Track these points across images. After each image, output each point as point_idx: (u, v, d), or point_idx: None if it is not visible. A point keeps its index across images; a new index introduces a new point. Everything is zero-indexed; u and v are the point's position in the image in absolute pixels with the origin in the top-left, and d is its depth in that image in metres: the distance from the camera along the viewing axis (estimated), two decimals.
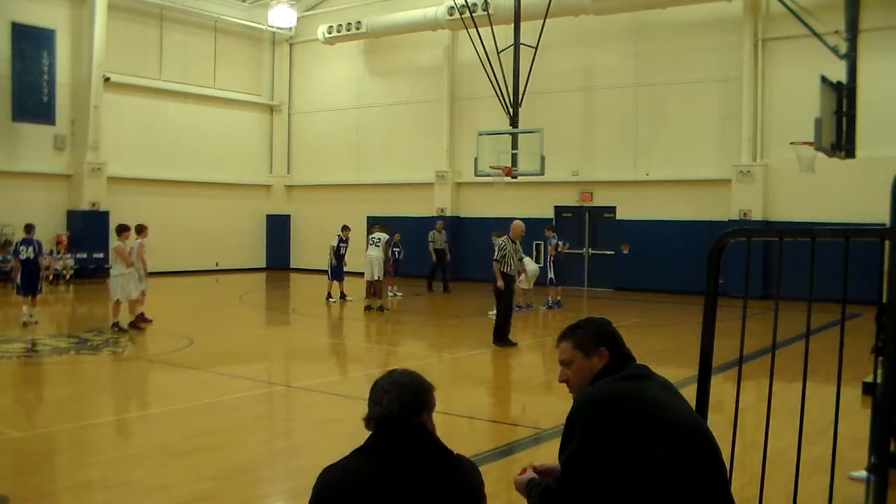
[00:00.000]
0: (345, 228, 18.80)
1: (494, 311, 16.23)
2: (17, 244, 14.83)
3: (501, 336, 12.49)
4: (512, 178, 18.83)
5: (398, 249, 20.13)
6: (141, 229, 14.54)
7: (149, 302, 15.69)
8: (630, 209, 21.90)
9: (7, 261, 20.86)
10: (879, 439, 3.26)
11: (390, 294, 19.42)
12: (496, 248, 12.57)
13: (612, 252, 22.14)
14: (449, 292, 21.29)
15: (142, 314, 14.29)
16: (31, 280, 14.28)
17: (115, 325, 13.40)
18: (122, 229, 13.86)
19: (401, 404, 2.47)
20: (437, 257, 21.40)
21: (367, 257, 17.43)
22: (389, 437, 2.45)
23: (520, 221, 13.21)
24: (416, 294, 20.75)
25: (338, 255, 18.46)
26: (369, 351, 13.43)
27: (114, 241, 13.87)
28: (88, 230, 22.75)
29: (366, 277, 17.50)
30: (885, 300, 3.52)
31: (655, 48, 21.48)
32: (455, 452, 2.53)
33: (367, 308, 17.06)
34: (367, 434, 2.55)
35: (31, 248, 14.39)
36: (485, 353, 12.55)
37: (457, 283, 23.24)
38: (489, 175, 18.70)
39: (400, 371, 2.60)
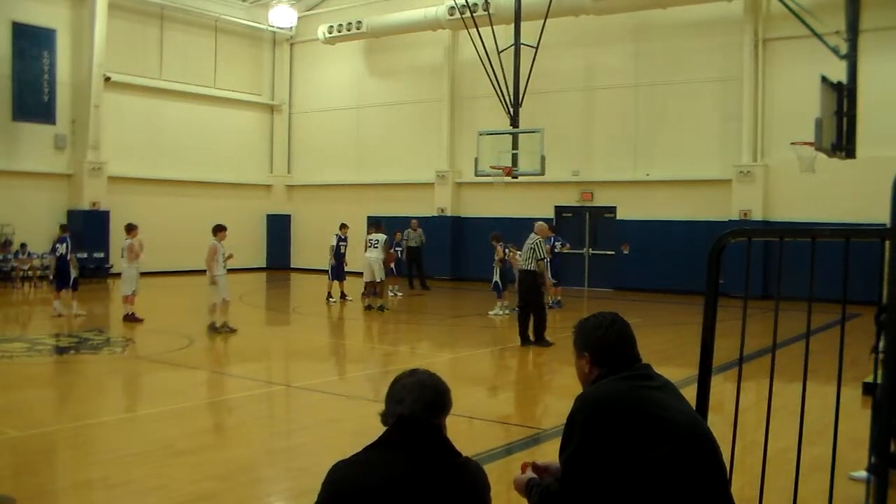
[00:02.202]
0: (343, 227, 18.79)
1: (496, 311, 16.38)
2: (54, 242, 15.97)
3: (540, 335, 12.43)
4: (512, 177, 18.84)
5: (400, 248, 20.17)
6: (130, 229, 14.77)
7: (149, 300, 15.75)
8: (630, 209, 21.90)
9: (8, 260, 20.95)
10: (879, 440, 3.26)
11: (390, 294, 19.42)
12: (538, 248, 12.45)
13: (613, 252, 22.12)
14: (428, 289, 21.32)
15: (132, 313, 14.51)
16: (63, 276, 15.40)
17: (212, 325, 13.56)
18: (219, 228, 14.02)
19: (423, 405, 2.49)
20: (412, 255, 21.43)
21: (367, 259, 17.34)
22: (406, 436, 2.45)
23: (542, 222, 13.54)
24: (416, 294, 20.76)
25: (337, 254, 18.45)
26: (369, 351, 13.43)
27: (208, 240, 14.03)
28: (89, 230, 22.72)
29: (365, 279, 17.46)
30: (884, 301, 3.52)
31: (656, 48, 21.47)
32: (463, 455, 2.54)
33: (368, 308, 17.06)
34: (370, 433, 2.55)
35: (64, 246, 15.39)
36: (485, 353, 12.58)
37: (457, 283, 23.26)
38: (489, 175, 18.71)
39: (422, 371, 2.61)
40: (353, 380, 10.82)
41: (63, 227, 16.02)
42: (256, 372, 10.83)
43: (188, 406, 8.68)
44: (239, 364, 11.28)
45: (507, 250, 16.81)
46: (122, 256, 14.95)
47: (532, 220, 13.89)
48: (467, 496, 2.48)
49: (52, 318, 14.79)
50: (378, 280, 17.15)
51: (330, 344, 14.21)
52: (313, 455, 6.62)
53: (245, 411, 8.44)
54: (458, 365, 11.63)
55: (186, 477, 5.93)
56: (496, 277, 16.77)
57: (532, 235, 12.75)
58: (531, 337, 12.57)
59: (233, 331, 13.41)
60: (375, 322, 15.96)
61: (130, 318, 14.45)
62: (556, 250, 17.84)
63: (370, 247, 17.40)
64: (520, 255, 12.99)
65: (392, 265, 19.07)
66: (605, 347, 2.76)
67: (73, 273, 15.57)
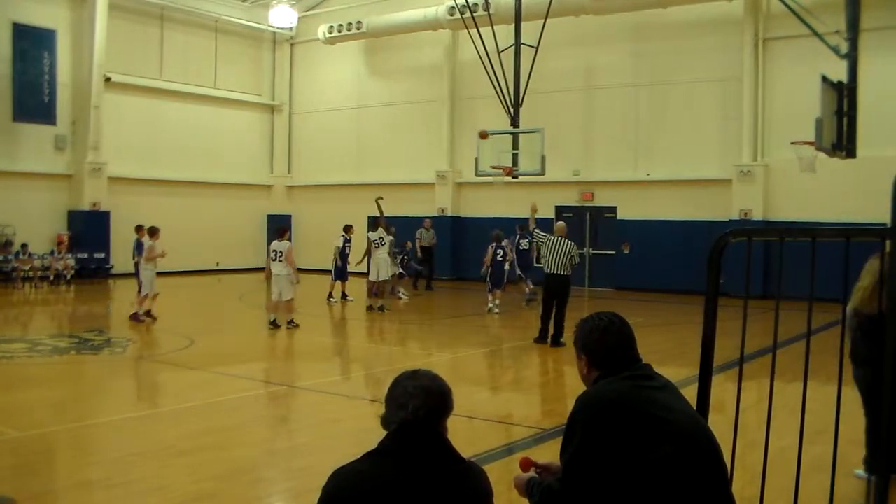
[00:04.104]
0: (348, 228, 18.79)
1: (490, 306, 16.50)
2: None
3: (556, 337, 12.37)
4: (513, 177, 18.83)
5: (406, 253, 20.37)
6: (153, 232, 15.06)
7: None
8: (631, 209, 21.89)
9: (8, 261, 20.96)
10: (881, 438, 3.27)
11: (401, 296, 19.57)
12: (576, 255, 12.50)
13: (613, 252, 22.13)
14: (432, 290, 21.38)
15: (148, 311, 14.75)
16: (137, 277, 15.76)
17: (291, 322, 14.08)
18: (285, 230, 14.67)
19: (427, 411, 2.43)
20: (425, 255, 21.47)
21: (375, 258, 17.25)
22: (408, 443, 2.40)
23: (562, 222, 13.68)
24: (418, 294, 20.75)
25: (343, 254, 18.46)
26: (370, 351, 13.43)
27: (278, 243, 14.34)
28: (89, 230, 22.76)
29: (370, 277, 17.38)
30: (885, 301, 3.52)
31: (656, 48, 21.47)
32: (466, 458, 2.52)
33: (369, 308, 17.05)
34: (370, 434, 2.53)
35: (136, 249, 15.93)
36: (485, 353, 12.58)
37: (457, 283, 23.24)
38: (490, 175, 18.70)
39: (424, 373, 2.55)
40: (354, 380, 10.83)
41: (136, 229, 16.08)
42: (257, 372, 10.83)
43: (189, 406, 8.68)
44: (239, 364, 11.27)
45: (499, 249, 17.24)
46: (143, 257, 15.17)
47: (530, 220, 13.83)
48: (470, 503, 2.46)
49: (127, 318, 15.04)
50: (381, 279, 17.15)
51: (331, 344, 14.21)
52: (314, 455, 6.62)
53: (245, 411, 8.44)
54: (458, 364, 11.63)
55: (187, 477, 5.93)
56: (488, 277, 17.25)
57: (562, 239, 12.51)
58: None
59: (296, 326, 14.02)
60: (376, 322, 15.96)
61: (134, 318, 14.65)
62: (521, 248, 18.36)
63: (379, 246, 17.36)
64: (544, 258, 12.76)
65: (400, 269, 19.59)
66: (603, 350, 2.76)
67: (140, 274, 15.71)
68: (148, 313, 14.74)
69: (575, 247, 12.63)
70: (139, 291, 15.36)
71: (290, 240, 14.52)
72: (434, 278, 21.97)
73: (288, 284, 14.07)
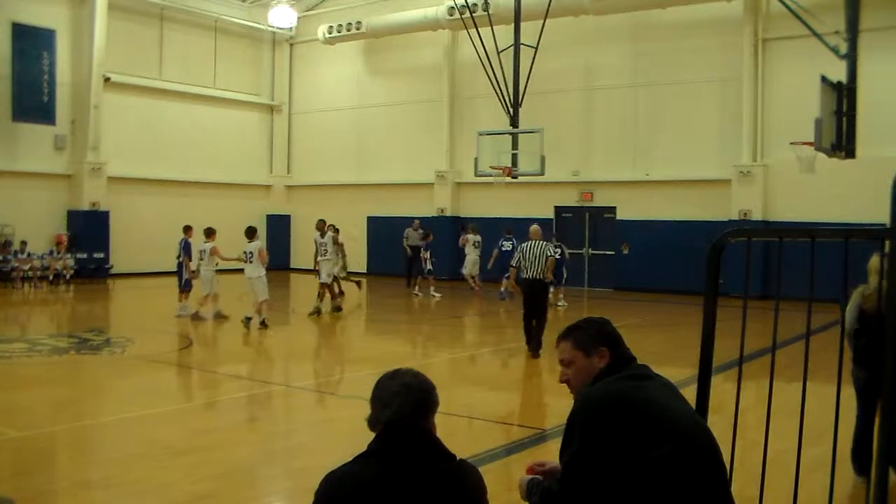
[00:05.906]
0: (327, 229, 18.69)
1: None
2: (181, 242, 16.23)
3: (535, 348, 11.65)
4: (512, 178, 18.86)
5: (430, 249, 20.51)
6: (210, 233, 15.28)
7: (147, 301, 15.74)
8: (630, 209, 21.89)
9: (8, 260, 20.93)
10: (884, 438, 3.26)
11: (432, 294, 19.79)
12: (550, 253, 11.78)
13: (613, 252, 22.14)
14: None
15: (197, 312, 15.04)
16: (179, 276, 15.88)
17: (263, 322, 14.10)
18: (254, 231, 14.70)
19: (411, 408, 2.44)
20: (412, 255, 21.52)
21: (321, 262, 16.71)
22: (397, 442, 2.41)
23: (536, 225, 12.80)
24: (416, 294, 20.73)
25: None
26: (368, 350, 13.41)
27: (248, 244, 14.37)
28: (88, 230, 22.75)
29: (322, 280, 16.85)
30: (886, 300, 3.52)
31: (655, 48, 21.47)
32: (458, 457, 2.51)
33: (317, 312, 16.23)
34: (367, 434, 2.53)
35: (180, 248, 15.82)
36: (484, 353, 12.57)
37: (457, 284, 23.23)
38: (489, 175, 18.73)
39: (405, 371, 2.56)
40: (352, 380, 10.81)
41: (184, 229, 16.04)
42: (255, 372, 10.83)
43: (187, 406, 8.68)
44: (238, 364, 11.27)
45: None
46: (202, 259, 15.26)
47: (532, 221, 13.80)
48: (464, 502, 2.45)
49: (173, 318, 15.14)
50: (322, 281, 16.81)
51: (328, 344, 14.21)
52: (312, 455, 6.62)
53: (244, 411, 8.44)
54: (457, 365, 11.63)
55: (186, 477, 5.93)
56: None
57: (536, 242, 11.79)
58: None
59: (266, 327, 14.05)
60: (373, 322, 15.95)
61: (195, 317, 14.85)
62: (504, 250, 18.81)
63: (323, 249, 16.92)
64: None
65: (430, 266, 19.98)
66: (619, 337, 2.86)
67: (186, 275, 15.65)
68: (197, 314, 14.92)
69: (548, 246, 11.90)
70: (181, 290, 15.56)
71: (258, 239, 14.59)
72: (425, 278, 21.99)
73: (262, 286, 14.08)
